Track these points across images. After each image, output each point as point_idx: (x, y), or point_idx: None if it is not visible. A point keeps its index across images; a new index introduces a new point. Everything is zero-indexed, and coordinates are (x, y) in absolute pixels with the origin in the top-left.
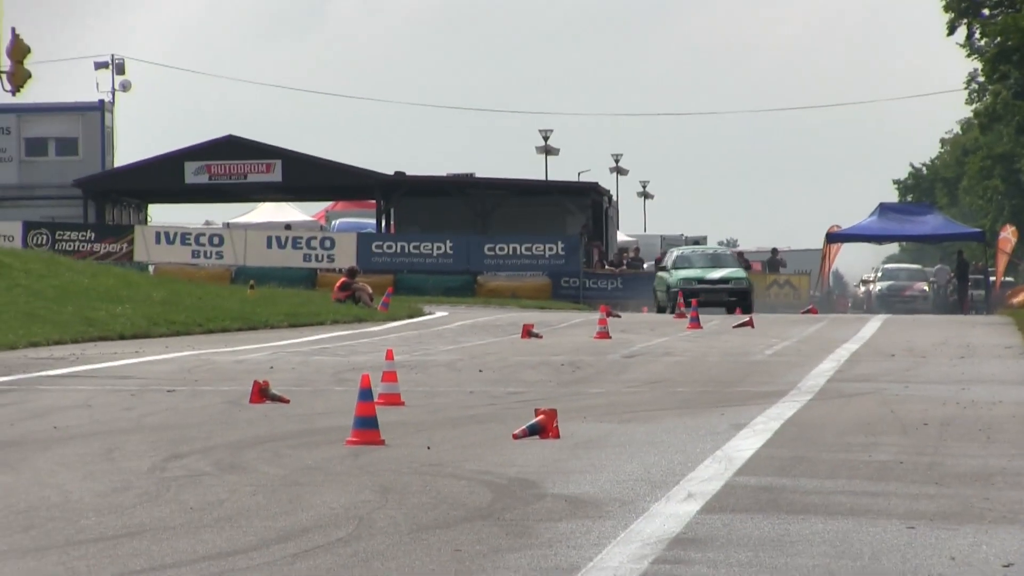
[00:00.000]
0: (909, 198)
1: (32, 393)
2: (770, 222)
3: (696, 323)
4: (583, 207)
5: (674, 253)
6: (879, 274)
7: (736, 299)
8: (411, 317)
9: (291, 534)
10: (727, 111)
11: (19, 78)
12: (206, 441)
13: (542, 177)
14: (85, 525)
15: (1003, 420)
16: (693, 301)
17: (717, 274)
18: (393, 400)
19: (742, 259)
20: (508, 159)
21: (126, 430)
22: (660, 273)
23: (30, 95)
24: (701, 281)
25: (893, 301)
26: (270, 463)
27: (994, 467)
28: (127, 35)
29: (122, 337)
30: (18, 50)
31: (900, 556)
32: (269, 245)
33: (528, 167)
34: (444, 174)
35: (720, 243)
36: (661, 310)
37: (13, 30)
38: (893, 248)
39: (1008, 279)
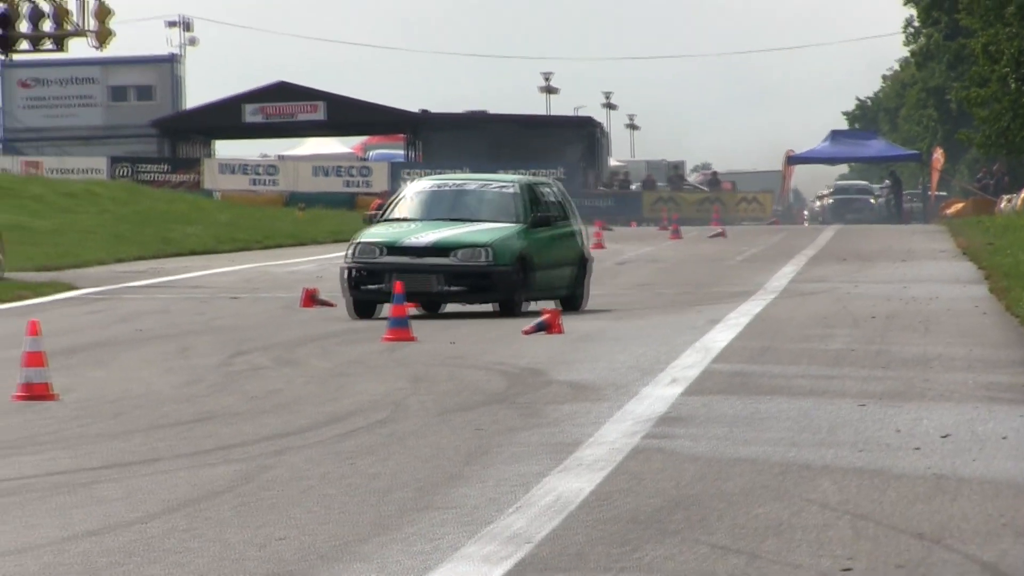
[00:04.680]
0: (856, 126)
1: (119, 302)
2: (738, 149)
3: (677, 235)
4: (580, 137)
5: (412, 189)
6: (831, 190)
7: (464, 288)
8: None
9: (338, 417)
10: (701, 54)
11: (103, 36)
12: (265, 340)
13: (544, 112)
14: (165, 412)
15: (939, 314)
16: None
17: (431, 236)
18: None
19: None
20: (516, 98)
21: (198, 332)
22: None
23: (112, 50)
24: (395, 249)
25: (843, 212)
26: (319, 358)
27: (932, 353)
28: None
29: (193, 253)
30: (102, 11)
31: (853, 429)
32: (315, 174)
33: (533, 105)
34: (462, 111)
35: (696, 168)
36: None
37: (102, 5)
38: (843, 169)
39: (941, 193)
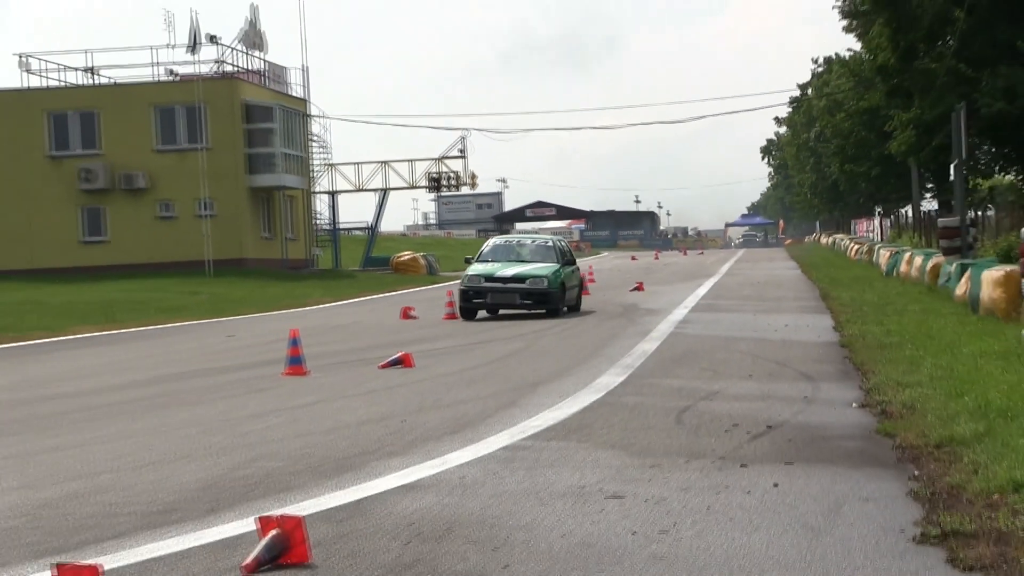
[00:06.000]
0: (751, 211)
1: None
2: (709, 220)
3: (685, 254)
4: (649, 219)
5: (491, 243)
6: (742, 235)
7: (531, 301)
8: (603, 254)
9: (561, 323)
10: (699, 185)
11: (473, 184)
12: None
13: (635, 210)
14: (500, 329)
15: (784, 280)
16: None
17: (511, 271)
18: (590, 281)
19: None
20: (624, 203)
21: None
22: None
23: (478, 189)
24: (490, 279)
25: (748, 243)
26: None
27: (781, 296)
28: (507, 165)
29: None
30: (472, 176)
31: (751, 325)
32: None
33: (631, 206)
34: (604, 209)
35: (694, 228)
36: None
37: (473, 174)
38: (746, 228)
39: (784, 236)
